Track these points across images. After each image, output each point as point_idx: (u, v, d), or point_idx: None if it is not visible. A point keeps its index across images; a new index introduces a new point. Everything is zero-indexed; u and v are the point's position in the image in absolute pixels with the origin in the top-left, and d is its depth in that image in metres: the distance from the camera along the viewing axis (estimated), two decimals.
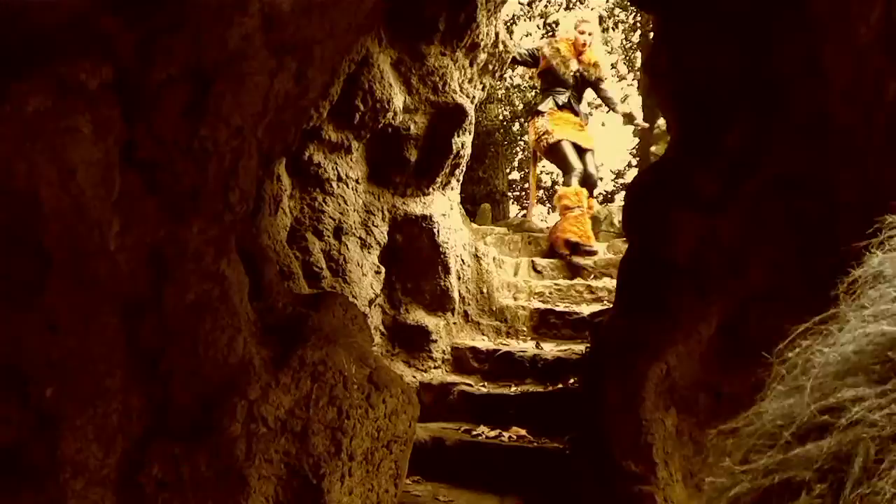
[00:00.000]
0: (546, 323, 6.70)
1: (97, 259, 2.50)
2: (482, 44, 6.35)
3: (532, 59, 8.77)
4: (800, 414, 0.47)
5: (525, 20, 17.83)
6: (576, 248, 7.87)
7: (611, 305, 5.52)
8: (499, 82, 16.18)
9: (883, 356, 0.43)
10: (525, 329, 6.71)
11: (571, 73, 8.64)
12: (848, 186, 3.07)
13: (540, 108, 8.78)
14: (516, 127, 18.94)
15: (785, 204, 3.36)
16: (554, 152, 8.53)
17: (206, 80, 2.74)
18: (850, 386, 0.44)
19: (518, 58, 8.52)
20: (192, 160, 2.74)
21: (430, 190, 6.39)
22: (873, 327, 0.46)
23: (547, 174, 19.70)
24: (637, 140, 18.29)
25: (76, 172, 2.40)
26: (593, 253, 7.90)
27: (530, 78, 18.17)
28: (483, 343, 6.43)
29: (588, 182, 8.45)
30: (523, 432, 5.11)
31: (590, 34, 8.73)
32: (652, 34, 8.00)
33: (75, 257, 2.44)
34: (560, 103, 8.60)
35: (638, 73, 17.98)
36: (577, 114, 8.73)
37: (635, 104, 16.05)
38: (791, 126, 3.39)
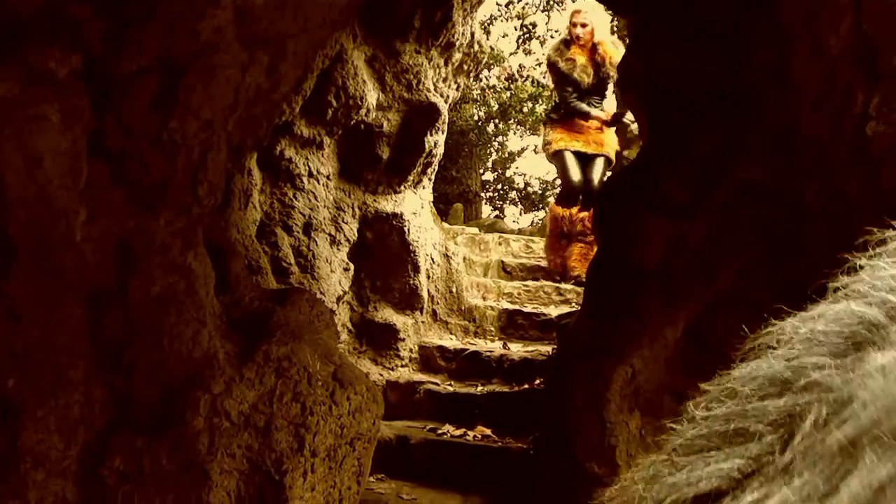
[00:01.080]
0: (514, 323, 6.74)
1: (63, 249, 2.49)
2: (458, 43, 6.35)
3: (569, 76, 7.81)
4: (762, 375, 0.51)
5: (502, 21, 17.81)
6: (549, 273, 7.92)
7: (578, 307, 5.55)
8: (474, 82, 16.19)
9: (846, 332, 0.47)
10: (493, 329, 6.73)
11: (582, 72, 7.76)
12: (815, 196, 3.10)
13: (552, 115, 8.16)
14: (491, 127, 18.90)
15: (754, 211, 3.39)
16: (554, 162, 8.07)
17: (177, 71, 2.73)
18: (813, 355, 0.48)
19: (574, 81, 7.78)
20: (161, 152, 2.72)
21: (402, 188, 6.38)
22: (842, 305, 0.49)
23: (519, 175, 19.73)
24: None
25: (43, 161, 2.38)
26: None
27: (506, 79, 18.22)
28: (451, 342, 6.43)
29: (587, 190, 7.75)
30: (488, 432, 5.13)
31: (583, 25, 7.72)
32: (627, 38, 7.98)
33: (40, 247, 2.42)
34: (578, 111, 7.78)
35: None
36: (593, 118, 7.84)
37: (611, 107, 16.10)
38: (761, 134, 3.42)
